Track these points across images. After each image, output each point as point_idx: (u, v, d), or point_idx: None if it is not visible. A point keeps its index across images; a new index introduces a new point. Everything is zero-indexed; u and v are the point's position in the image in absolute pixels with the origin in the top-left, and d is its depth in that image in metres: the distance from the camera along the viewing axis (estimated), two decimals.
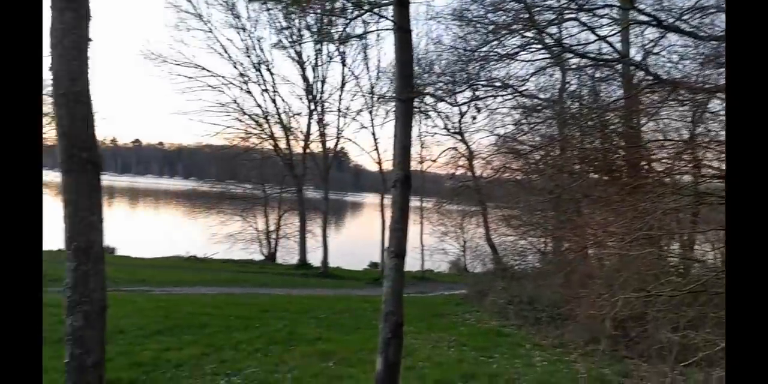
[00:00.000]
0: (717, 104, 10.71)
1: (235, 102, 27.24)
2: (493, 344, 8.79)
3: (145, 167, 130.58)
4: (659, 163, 9.51)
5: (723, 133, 10.21)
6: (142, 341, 7.81)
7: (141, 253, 24.80)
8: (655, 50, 12.44)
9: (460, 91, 16.45)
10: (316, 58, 25.91)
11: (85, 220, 2.68)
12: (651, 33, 12.46)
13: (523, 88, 16.01)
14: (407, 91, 4.67)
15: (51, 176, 36.18)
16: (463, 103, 12.73)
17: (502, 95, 16.58)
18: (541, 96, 16.44)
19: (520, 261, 16.79)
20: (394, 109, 22.86)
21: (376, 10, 5.31)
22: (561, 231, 13.50)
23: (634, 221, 6.53)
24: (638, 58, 12.77)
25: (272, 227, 30.34)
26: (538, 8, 10.63)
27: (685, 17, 10.15)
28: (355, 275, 24.70)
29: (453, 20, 13.53)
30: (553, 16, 10.98)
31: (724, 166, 7.51)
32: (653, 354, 6.85)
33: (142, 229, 35.07)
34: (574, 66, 14.35)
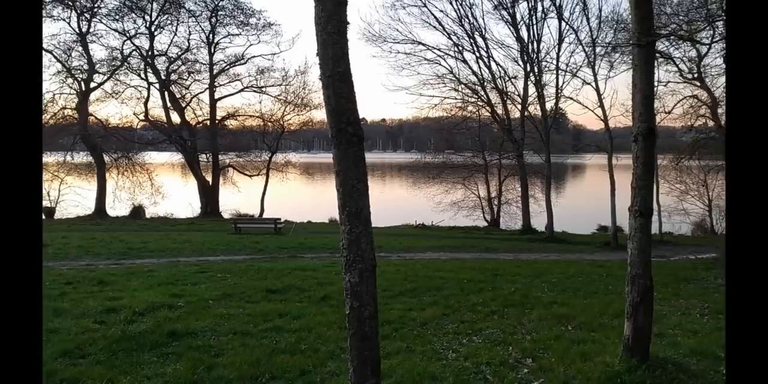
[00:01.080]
0: None
1: (451, 72, 27.86)
2: None
3: (371, 143, 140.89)
4: None
5: None
6: (388, 301, 8.51)
7: (374, 223, 26.87)
8: None
9: (700, 30, 14.48)
10: (530, 17, 25.04)
11: (354, 187, 3.02)
12: None
13: None
14: (647, 34, 4.24)
15: (297, 158, 40.97)
16: (716, 42, 11.16)
17: None
18: None
19: None
20: (618, 60, 20.84)
21: None
22: None
23: None
24: None
25: (494, 193, 30.57)
26: None
27: None
28: (583, 239, 23.71)
29: None
30: None
31: None
32: None
33: (373, 200, 37.98)
34: None
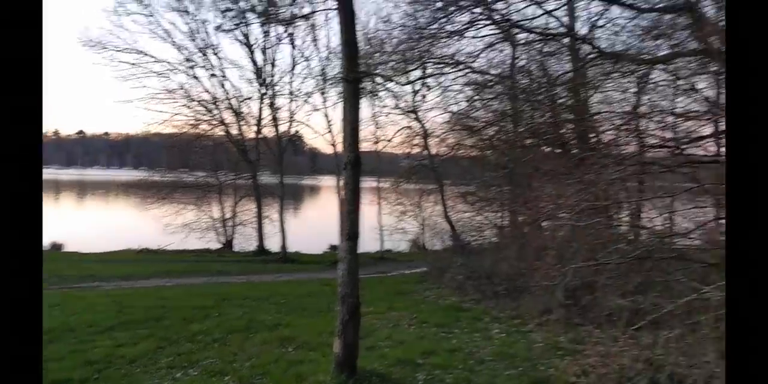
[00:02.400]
0: (657, 75, 11.03)
1: (181, 88, 26.41)
2: (453, 320, 8.87)
3: (91, 159, 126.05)
4: (605, 134, 9.75)
5: (664, 103, 10.54)
6: (93, 338, 7.57)
7: (91, 249, 24.02)
8: (600, 23, 12.64)
9: (412, 70, 16.37)
10: (264, 41, 25.32)
11: None
12: (596, 6, 12.65)
13: (475, 64, 16.03)
14: (353, 71, 4.59)
15: None
16: (412, 82, 12.67)
17: (454, 72, 16.59)
18: (493, 72, 16.37)
19: (477, 236, 17.02)
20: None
21: None
22: (515, 205, 13.73)
23: (582, 192, 6.68)
24: (584, 31, 12.98)
25: (228, 215, 29.81)
26: None
27: None
28: (314, 259, 24.60)
29: None
30: None
31: (667, 135, 7.77)
32: (604, 320, 7.06)
33: (92, 223, 33.97)
34: (522, 41, 14.39)
